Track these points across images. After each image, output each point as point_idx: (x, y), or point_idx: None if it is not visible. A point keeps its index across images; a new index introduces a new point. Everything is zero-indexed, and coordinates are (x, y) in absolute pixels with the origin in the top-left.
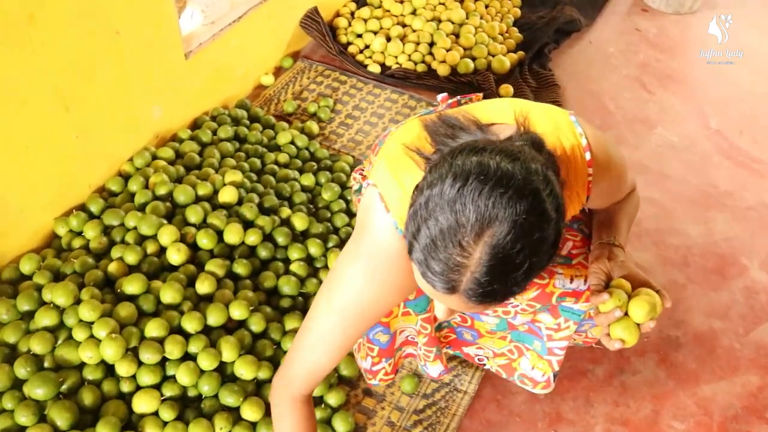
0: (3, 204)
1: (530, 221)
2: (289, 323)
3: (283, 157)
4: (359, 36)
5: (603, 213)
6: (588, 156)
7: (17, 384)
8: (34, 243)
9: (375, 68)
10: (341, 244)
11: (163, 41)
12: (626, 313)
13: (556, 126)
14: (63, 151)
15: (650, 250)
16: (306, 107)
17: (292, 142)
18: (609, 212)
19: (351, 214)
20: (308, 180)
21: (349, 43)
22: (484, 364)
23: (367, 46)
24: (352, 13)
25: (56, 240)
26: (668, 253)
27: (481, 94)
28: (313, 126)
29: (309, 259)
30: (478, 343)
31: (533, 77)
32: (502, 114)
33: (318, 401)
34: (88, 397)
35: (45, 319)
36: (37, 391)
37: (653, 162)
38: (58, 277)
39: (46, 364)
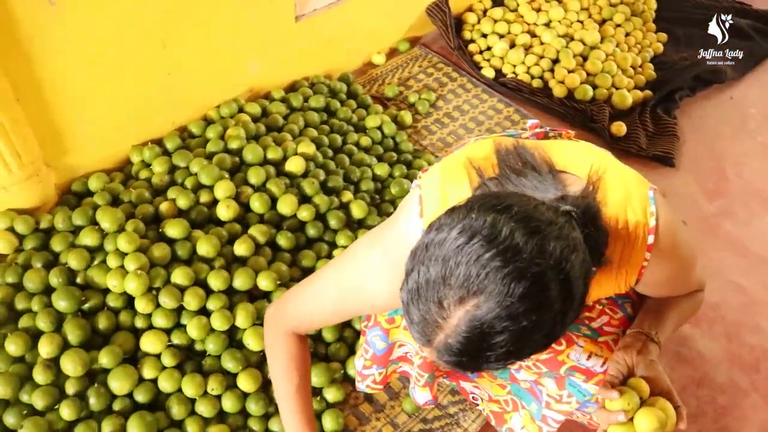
0: (88, 122)
1: (520, 307)
2: None
3: (365, 141)
4: (484, 36)
5: (654, 301)
6: (651, 239)
7: (48, 291)
8: (108, 164)
9: (489, 72)
10: None
11: None
12: (632, 418)
13: (627, 196)
14: (154, 85)
15: (720, 342)
16: (407, 95)
17: (380, 128)
18: (661, 303)
19: None
20: (382, 170)
21: (471, 41)
22: (477, 404)
23: (488, 48)
24: (485, 12)
25: (128, 166)
26: (741, 351)
27: (572, 132)
28: (407, 116)
29: None
30: (476, 382)
31: (653, 121)
32: (580, 163)
33: (315, 392)
34: (103, 322)
35: (88, 238)
36: (61, 303)
37: (758, 246)
38: (115, 201)
39: (77, 280)
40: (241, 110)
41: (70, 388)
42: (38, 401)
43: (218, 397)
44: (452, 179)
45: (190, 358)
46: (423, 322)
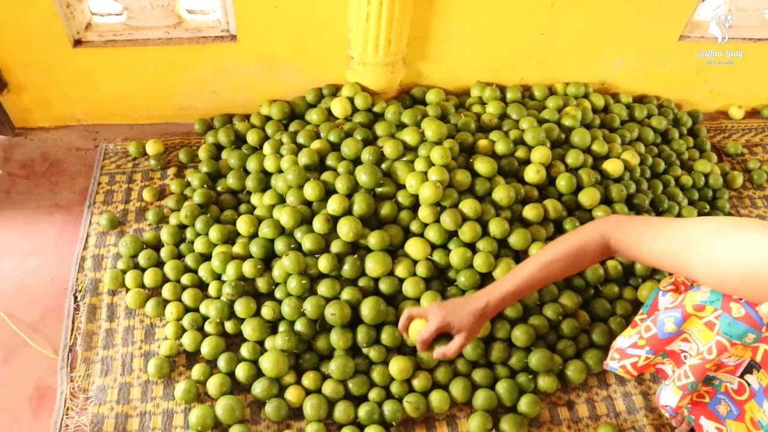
0: (453, 43)
1: None
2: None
3: (686, 179)
4: None
5: None
6: None
7: (355, 162)
8: (449, 86)
9: None
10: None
11: (669, 8)
12: None
13: None
14: (524, 36)
15: None
16: (747, 159)
17: (706, 176)
18: None
19: None
20: (689, 213)
21: None
22: None
23: None
24: None
25: (464, 97)
26: None
27: None
28: (738, 179)
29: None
30: (725, 425)
31: None
32: None
33: (530, 372)
34: (385, 209)
35: (409, 136)
36: (363, 176)
37: None
38: (442, 119)
39: (382, 166)
40: (586, 96)
41: (334, 247)
42: (306, 243)
43: None
44: None
45: (438, 278)
46: None
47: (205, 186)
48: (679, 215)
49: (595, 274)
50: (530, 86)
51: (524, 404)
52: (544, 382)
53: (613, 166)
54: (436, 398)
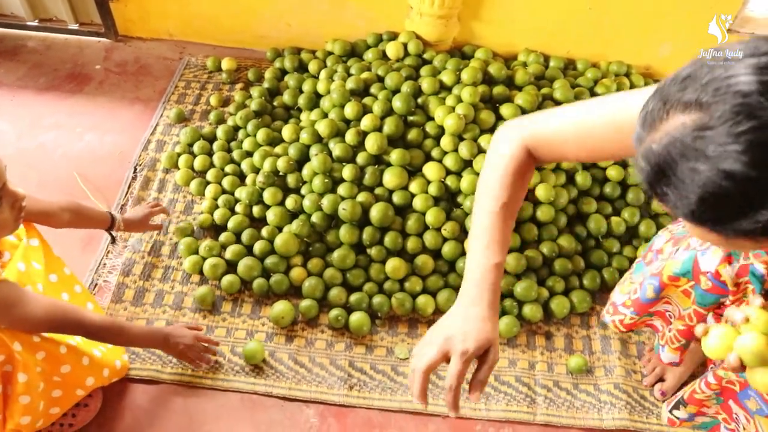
0: (504, 10)
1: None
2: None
3: None
4: None
5: None
6: None
7: (395, 92)
8: (497, 48)
9: None
10: None
11: None
12: None
13: None
14: (573, 8)
15: None
16: None
17: None
18: None
19: None
20: None
21: None
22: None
23: None
24: None
25: (510, 61)
26: None
27: None
28: None
29: None
30: (753, 418)
31: None
32: None
33: (516, 300)
34: (412, 134)
35: (447, 77)
36: (397, 103)
37: None
38: (485, 73)
39: (418, 100)
40: (627, 75)
41: (360, 159)
42: (336, 150)
43: (445, 240)
44: None
45: (447, 201)
46: (647, 117)
47: (263, 98)
48: None
49: (597, 226)
50: (573, 59)
51: (503, 324)
52: (529, 311)
53: None
54: (422, 301)
